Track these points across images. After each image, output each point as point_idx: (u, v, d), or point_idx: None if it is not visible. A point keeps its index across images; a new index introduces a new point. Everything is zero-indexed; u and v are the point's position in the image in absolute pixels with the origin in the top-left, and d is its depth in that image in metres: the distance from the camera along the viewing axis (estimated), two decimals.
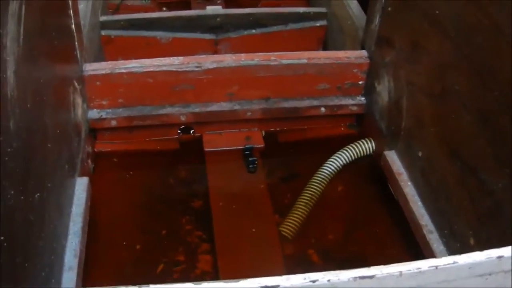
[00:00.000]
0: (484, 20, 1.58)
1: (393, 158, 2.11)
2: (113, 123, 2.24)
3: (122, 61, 2.21)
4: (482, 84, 1.60)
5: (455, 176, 1.76)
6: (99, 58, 2.59)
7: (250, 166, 2.26)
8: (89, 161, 2.19)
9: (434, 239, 1.86)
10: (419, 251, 1.91)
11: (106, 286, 1.82)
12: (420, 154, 1.95)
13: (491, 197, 1.59)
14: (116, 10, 3.07)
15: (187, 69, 2.18)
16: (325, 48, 2.82)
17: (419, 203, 1.96)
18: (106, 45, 2.67)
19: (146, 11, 3.05)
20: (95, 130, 2.30)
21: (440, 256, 1.80)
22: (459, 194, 1.74)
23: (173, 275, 1.92)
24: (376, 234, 2.08)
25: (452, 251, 1.79)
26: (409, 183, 2.02)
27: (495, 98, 1.55)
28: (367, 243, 2.05)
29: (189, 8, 3.10)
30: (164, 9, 3.16)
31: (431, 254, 1.84)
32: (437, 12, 1.81)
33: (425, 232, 1.88)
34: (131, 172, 2.29)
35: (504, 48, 1.50)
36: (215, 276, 1.90)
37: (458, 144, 1.74)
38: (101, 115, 2.23)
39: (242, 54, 2.23)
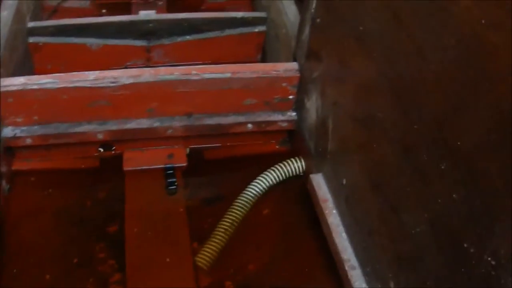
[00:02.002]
0: (407, 41, 1.30)
1: (319, 182, 1.84)
2: (28, 141, 1.97)
3: (36, 76, 1.92)
4: (404, 115, 1.34)
5: (377, 212, 1.49)
6: (27, 66, 2.32)
7: (170, 187, 1.98)
8: (3, 181, 1.95)
9: (356, 275, 1.60)
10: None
11: None
12: (344, 181, 1.68)
13: (411, 240, 1.33)
14: (54, 12, 2.76)
15: (102, 85, 1.88)
16: (264, 55, 2.53)
17: (343, 235, 1.69)
18: (35, 53, 2.37)
19: (85, 13, 2.75)
20: (12, 149, 2.03)
21: None
22: (381, 232, 1.48)
23: None
24: (301, 264, 1.80)
25: None
26: (334, 211, 1.75)
27: (416, 131, 1.28)
28: (290, 275, 1.78)
29: (130, 11, 2.79)
30: (104, 11, 2.83)
31: None
32: (361, 28, 1.53)
33: (347, 267, 1.62)
34: (49, 192, 2.01)
35: (429, 78, 1.23)
36: None
37: (381, 177, 1.47)
38: (15, 133, 1.96)
39: (161, 68, 1.93)
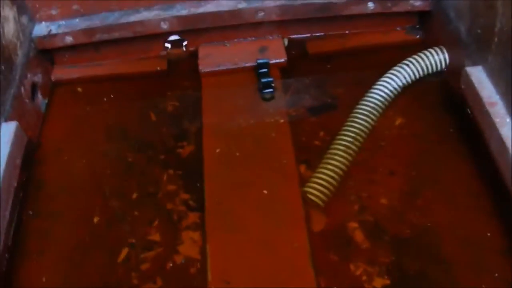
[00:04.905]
0: None
1: (480, 78, 1.32)
2: (69, 39, 1.67)
3: None
4: None
5: None
6: None
7: (265, 91, 1.56)
8: (39, 95, 1.62)
9: None
10: None
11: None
12: None
13: None
14: None
15: None
16: None
17: None
18: None
19: None
20: (50, 52, 1.67)
21: None
22: None
23: (141, 265, 1.24)
24: (454, 197, 1.31)
25: None
26: (507, 120, 1.22)
27: None
28: (439, 211, 1.29)
29: None
30: None
31: None
32: None
33: None
34: (100, 106, 1.67)
35: None
36: (203, 267, 1.22)
37: None
38: (51, 30, 1.64)
39: None
